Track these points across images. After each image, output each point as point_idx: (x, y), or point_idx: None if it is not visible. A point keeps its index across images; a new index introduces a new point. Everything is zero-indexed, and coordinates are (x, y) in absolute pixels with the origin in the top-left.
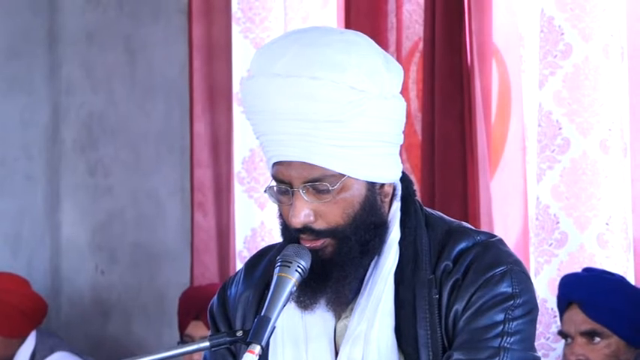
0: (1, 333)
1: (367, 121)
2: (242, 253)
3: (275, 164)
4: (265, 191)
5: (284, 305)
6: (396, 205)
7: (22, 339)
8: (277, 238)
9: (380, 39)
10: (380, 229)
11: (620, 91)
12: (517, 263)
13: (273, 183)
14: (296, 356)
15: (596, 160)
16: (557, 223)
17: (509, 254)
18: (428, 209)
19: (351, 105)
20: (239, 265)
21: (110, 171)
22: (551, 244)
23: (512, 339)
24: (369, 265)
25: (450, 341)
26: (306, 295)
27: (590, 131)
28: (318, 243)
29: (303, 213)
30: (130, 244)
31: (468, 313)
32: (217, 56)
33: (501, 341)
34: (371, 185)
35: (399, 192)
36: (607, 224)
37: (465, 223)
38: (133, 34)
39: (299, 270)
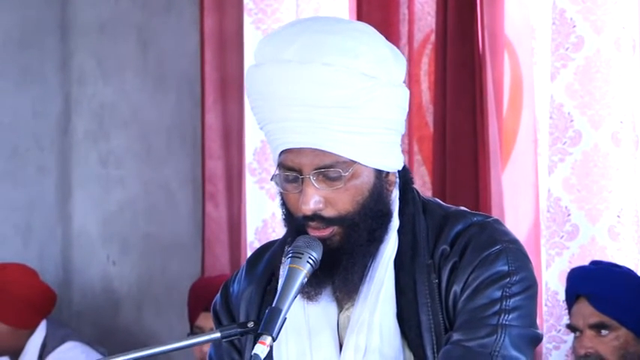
0: (10, 324)
1: (377, 108)
2: (253, 244)
3: (283, 152)
4: (272, 179)
5: (295, 296)
6: (395, 193)
7: (31, 330)
8: None
9: (392, 31)
10: (386, 217)
11: (632, 83)
12: (513, 242)
13: (280, 174)
14: (300, 349)
15: (607, 152)
16: (569, 215)
17: (505, 233)
18: (425, 196)
19: (363, 91)
20: None
21: (121, 162)
22: (562, 237)
23: (510, 316)
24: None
25: (451, 323)
26: (312, 285)
27: (602, 124)
28: (327, 232)
29: (314, 200)
30: (141, 235)
31: (466, 293)
32: (229, 47)
33: (499, 319)
34: (378, 173)
35: (397, 180)
36: (618, 217)
37: (462, 208)
38: (145, 24)
39: (310, 261)
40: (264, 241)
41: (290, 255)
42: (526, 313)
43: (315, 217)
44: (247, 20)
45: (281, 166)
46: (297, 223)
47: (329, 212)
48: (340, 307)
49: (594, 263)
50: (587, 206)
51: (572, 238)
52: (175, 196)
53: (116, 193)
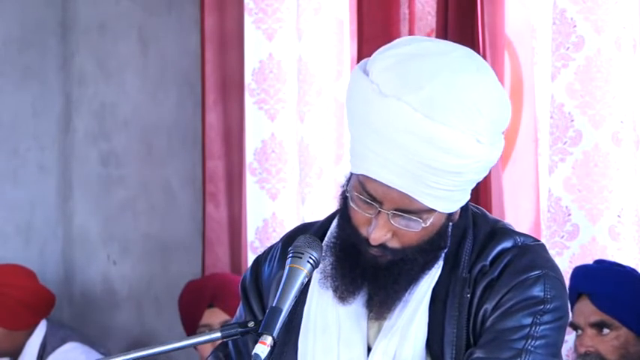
0: (5, 326)
1: (476, 172)
2: (254, 243)
3: (371, 178)
4: (343, 187)
5: (296, 297)
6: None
7: (29, 331)
8: (289, 228)
9: (392, 30)
10: (443, 248)
11: (633, 83)
12: (553, 269)
13: (357, 192)
14: (327, 345)
15: (608, 152)
16: (569, 215)
17: (547, 259)
18: (472, 205)
19: (471, 159)
20: (250, 256)
21: (122, 161)
22: (562, 237)
23: (536, 343)
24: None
25: (475, 340)
26: (349, 290)
27: (603, 123)
28: (382, 254)
29: (384, 234)
30: (142, 235)
31: (497, 313)
32: (230, 47)
33: (525, 344)
34: (449, 214)
35: None
36: (619, 216)
37: (508, 224)
38: (146, 24)
39: (311, 261)
40: (264, 241)
41: (290, 255)
42: (552, 342)
43: (379, 245)
44: (248, 20)
45: (361, 186)
46: (355, 238)
47: (393, 244)
48: (371, 310)
49: (598, 262)
50: (587, 206)
51: (573, 237)
52: (176, 196)
53: (117, 193)
